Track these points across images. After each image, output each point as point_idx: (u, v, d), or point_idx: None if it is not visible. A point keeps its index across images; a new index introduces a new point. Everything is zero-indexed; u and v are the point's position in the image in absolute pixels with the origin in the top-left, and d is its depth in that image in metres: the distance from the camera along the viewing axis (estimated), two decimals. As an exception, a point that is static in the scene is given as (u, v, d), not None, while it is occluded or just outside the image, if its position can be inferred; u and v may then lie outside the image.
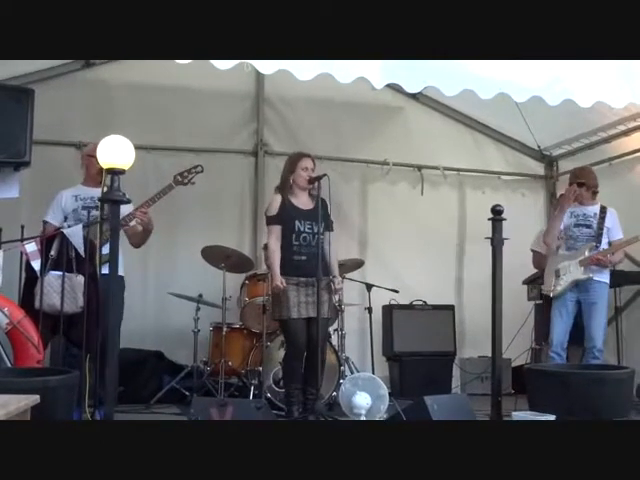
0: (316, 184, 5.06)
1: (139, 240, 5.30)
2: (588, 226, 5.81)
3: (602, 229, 5.77)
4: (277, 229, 5.15)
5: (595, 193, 5.92)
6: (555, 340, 5.71)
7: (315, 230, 5.07)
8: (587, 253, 5.71)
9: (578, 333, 5.81)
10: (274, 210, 5.18)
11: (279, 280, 5.02)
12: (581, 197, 5.86)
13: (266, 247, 5.52)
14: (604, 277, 5.77)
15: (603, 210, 5.83)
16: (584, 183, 5.84)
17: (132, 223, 5.15)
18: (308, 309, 5.03)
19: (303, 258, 5.07)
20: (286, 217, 5.14)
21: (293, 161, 5.25)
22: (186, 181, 5.36)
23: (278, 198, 5.20)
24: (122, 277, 5.10)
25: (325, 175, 4.98)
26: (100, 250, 4.61)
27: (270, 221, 5.22)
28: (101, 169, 4.01)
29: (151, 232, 5.26)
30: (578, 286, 5.73)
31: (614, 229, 5.83)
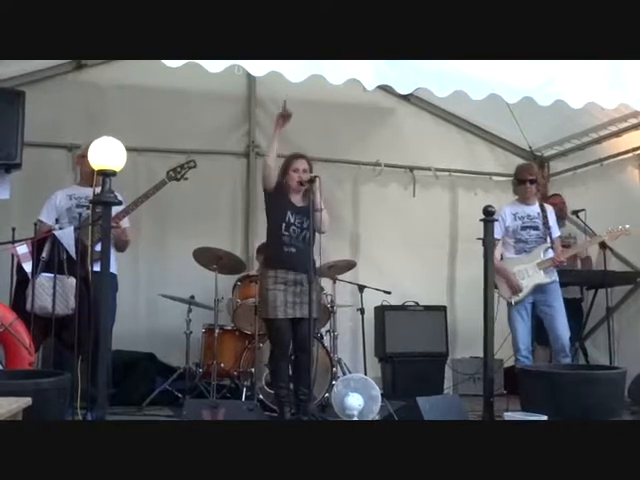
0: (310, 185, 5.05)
1: (117, 246, 5.28)
2: (535, 227, 5.77)
3: (549, 228, 5.74)
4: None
5: (539, 191, 5.93)
6: (522, 345, 5.69)
7: (305, 226, 5.06)
8: (542, 255, 5.69)
9: (540, 333, 5.82)
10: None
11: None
12: (530, 194, 5.83)
13: (259, 250, 5.50)
14: (556, 276, 5.76)
15: (544, 209, 5.81)
16: (536, 180, 5.82)
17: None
18: (295, 309, 5.03)
19: (292, 250, 5.05)
20: (279, 206, 5.13)
21: (286, 163, 5.25)
22: (179, 177, 5.34)
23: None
24: (115, 275, 5.10)
25: (317, 177, 4.97)
26: (92, 249, 4.60)
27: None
28: (93, 170, 4.01)
29: (126, 242, 5.31)
30: (536, 289, 5.70)
31: (554, 227, 5.83)
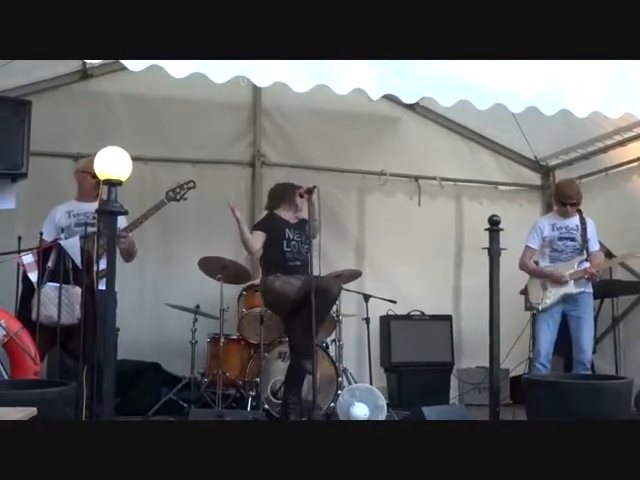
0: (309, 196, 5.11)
1: (124, 258, 5.29)
2: (572, 239, 5.80)
3: (586, 241, 5.76)
4: (259, 234, 5.34)
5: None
6: (543, 351, 5.69)
7: (303, 239, 5.24)
8: (577, 266, 5.71)
9: (561, 344, 5.81)
10: (259, 220, 5.45)
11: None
12: (571, 214, 5.85)
13: (261, 259, 5.53)
14: (590, 288, 5.78)
15: (583, 221, 5.83)
16: (576, 203, 5.84)
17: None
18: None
19: (297, 263, 5.23)
20: (274, 227, 5.31)
21: (288, 194, 5.45)
22: (178, 197, 5.39)
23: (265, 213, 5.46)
24: (115, 293, 5.10)
25: (315, 187, 5.03)
26: (97, 264, 4.60)
27: (254, 227, 5.47)
28: (96, 184, 4.03)
29: (133, 254, 5.30)
30: (565, 298, 5.73)
31: (593, 240, 5.84)
